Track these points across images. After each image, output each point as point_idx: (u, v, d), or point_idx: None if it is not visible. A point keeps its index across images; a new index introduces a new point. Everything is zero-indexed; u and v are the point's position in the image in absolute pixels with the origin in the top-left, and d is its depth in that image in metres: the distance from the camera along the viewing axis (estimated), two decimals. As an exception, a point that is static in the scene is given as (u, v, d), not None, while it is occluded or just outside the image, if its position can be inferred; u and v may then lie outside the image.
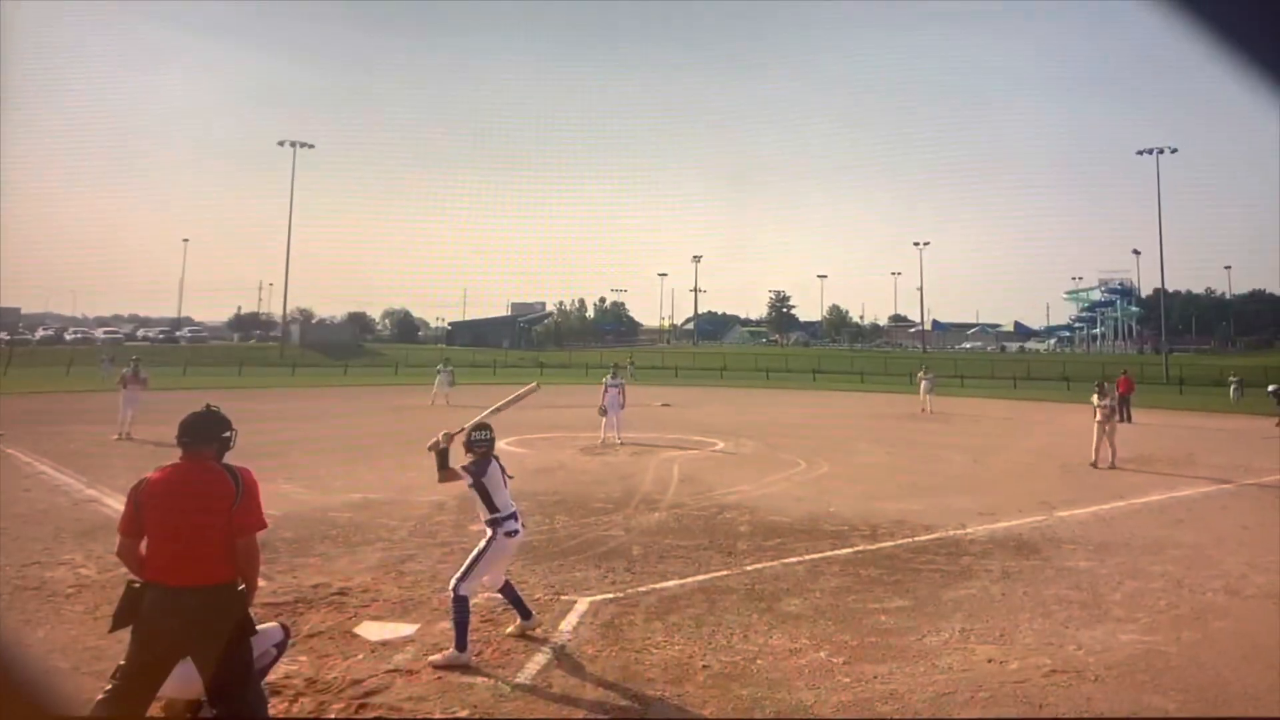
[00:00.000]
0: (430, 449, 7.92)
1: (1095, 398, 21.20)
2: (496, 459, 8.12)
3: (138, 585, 5.11)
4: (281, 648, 5.92)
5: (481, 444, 8.05)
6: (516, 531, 8.05)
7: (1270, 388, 22.84)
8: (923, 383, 38.36)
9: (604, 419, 24.41)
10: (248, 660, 5.29)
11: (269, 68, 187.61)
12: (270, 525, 5.77)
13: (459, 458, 8.02)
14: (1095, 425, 20.85)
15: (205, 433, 5.41)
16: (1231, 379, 50.17)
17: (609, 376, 25.46)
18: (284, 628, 6.05)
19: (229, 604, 5.14)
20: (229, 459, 5.48)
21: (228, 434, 5.53)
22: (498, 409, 8.47)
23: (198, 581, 5.05)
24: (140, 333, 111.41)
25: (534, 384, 9.54)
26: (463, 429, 8.06)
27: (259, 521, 5.32)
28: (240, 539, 5.19)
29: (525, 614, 8.20)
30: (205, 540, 5.10)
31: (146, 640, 5.03)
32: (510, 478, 8.26)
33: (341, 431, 25.96)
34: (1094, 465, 19.94)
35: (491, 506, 7.96)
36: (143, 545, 5.19)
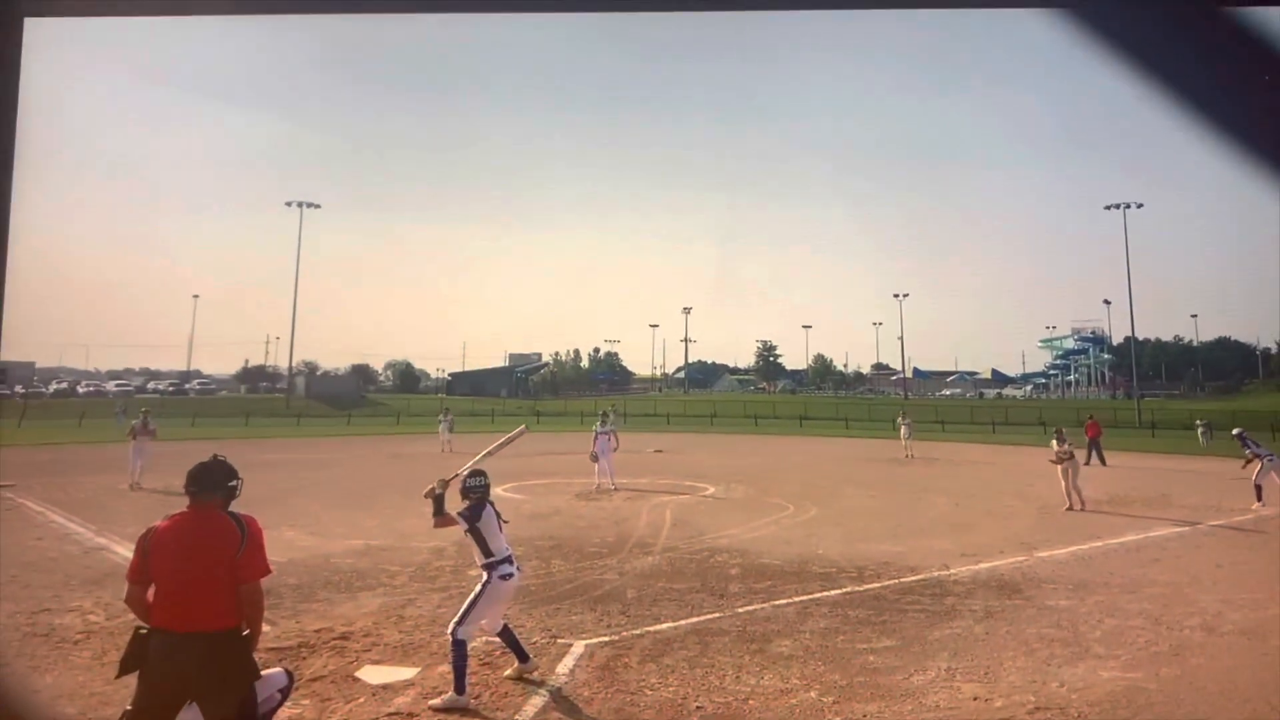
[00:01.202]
0: (426, 495, 7.88)
1: (1054, 444, 21.23)
2: (492, 504, 8.07)
3: (145, 632, 5.09)
4: (286, 692, 5.84)
5: (477, 490, 8.02)
6: (512, 575, 7.97)
7: (1234, 431, 22.80)
8: (903, 428, 38.35)
9: (596, 465, 24.25)
10: (253, 705, 5.26)
11: (277, 127, 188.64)
12: (274, 571, 5.72)
13: (455, 503, 7.96)
14: (1059, 470, 20.87)
15: (212, 481, 5.46)
16: (1199, 423, 50.13)
17: (598, 424, 25.34)
18: (288, 672, 5.97)
19: (233, 649, 5.10)
20: (235, 507, 5.48)
21: (234, 483, 5.57)
22: (489, 453, 8.44)
23: (203, 627, 5.04)
24: (150, 385, 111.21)
25: (522, 427, 9.50)
26: (458, 475, 8.02)
27: (263, 568, 5.34)
28: (244, 584, 5.18)
29: (523, 657, 8.12)
30: (210, 587, 5.10)
31: (153, 685, 5.00)
32: (505, 522, 8.21)
33: (344, 479, 25.83)
34: (1070, 509, 19.84)
35: (487, 551, 7.90)
36: (150, 592, 5.16)
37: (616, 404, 73.78)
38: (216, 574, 5.15)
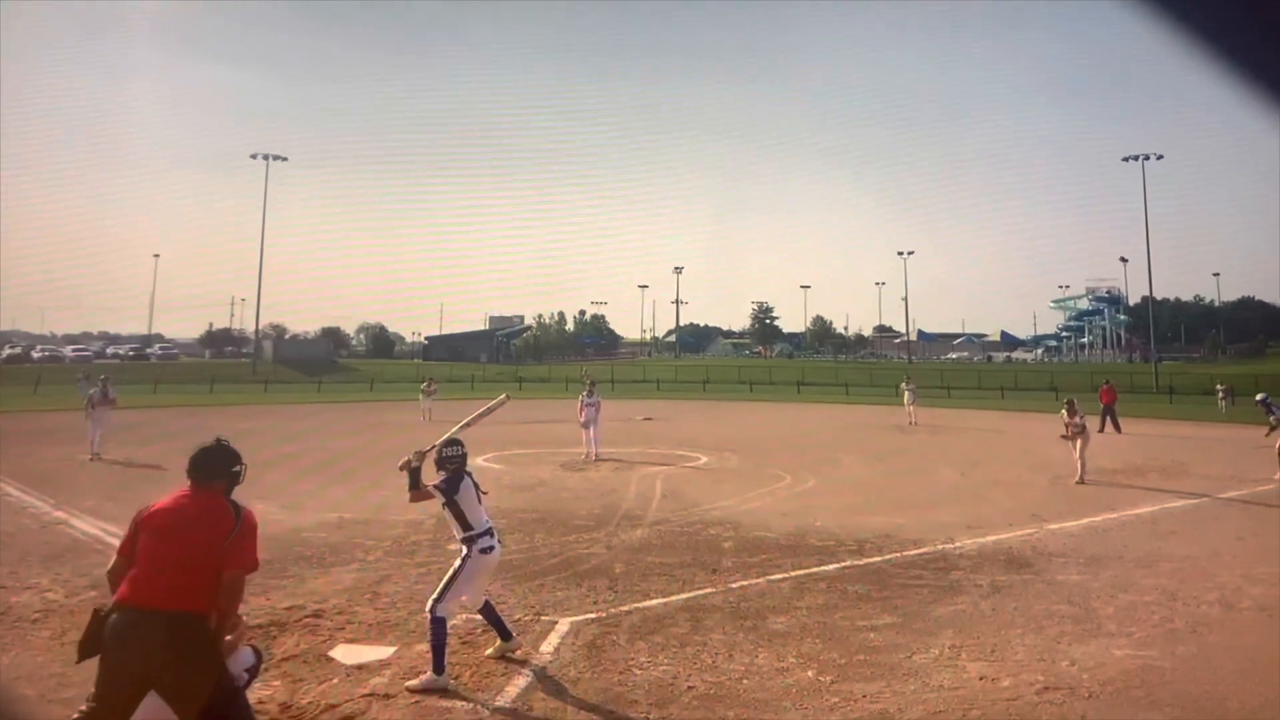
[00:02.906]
0: (401, 468, 7.86)
1: (1064, 414, 21.09)
2: (470, 475, 8.06)
3: (103, 612, 5.06)
4: (254, 672, 5.83)
5: (453, 460, 8.00)
6: (493, 548, 7.97)
7: (1258, 396, 22.78)
8: (906, 394, 38.30)
9: (584, 434, 24.41)
10: (227, 699, 5.21)
11: (240, 79, 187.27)
12: (260, 568, 5.70)
13: (431, 476, 7.95)
14: (1071, 444, 20.88)
15: (214, 468, 5.54)
16: (1219, 388, 50.13)
17: (585, 394, 25.28)
18: (256, 650, 5.97)
19: (195, 634, 5.03)
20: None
21: (238, 468, 5.70)
22: (467, 423, 8.40)
23: (166, 605, 4.97)
24: (110, 350, 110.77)
25: (504, 396, 9.46)
26: (434, 446, 7.99)
27: (251, 560, 5.40)
28: (228, 571, 5.17)
29: (505, 635, 8.14)
30: (186, 565, 5.08)
31: (112, 668, 4.95)
32: (484, 494, 8.20)
33: (315, 449, 25.75)
34: (1080, 482, 19.92)
35: (465, 524, 7.89)
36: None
37: (591, 370, 73.71)
38: (197, 555, 5.13)
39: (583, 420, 24.54)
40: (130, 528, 5.28)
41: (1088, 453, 20.68)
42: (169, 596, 5.00)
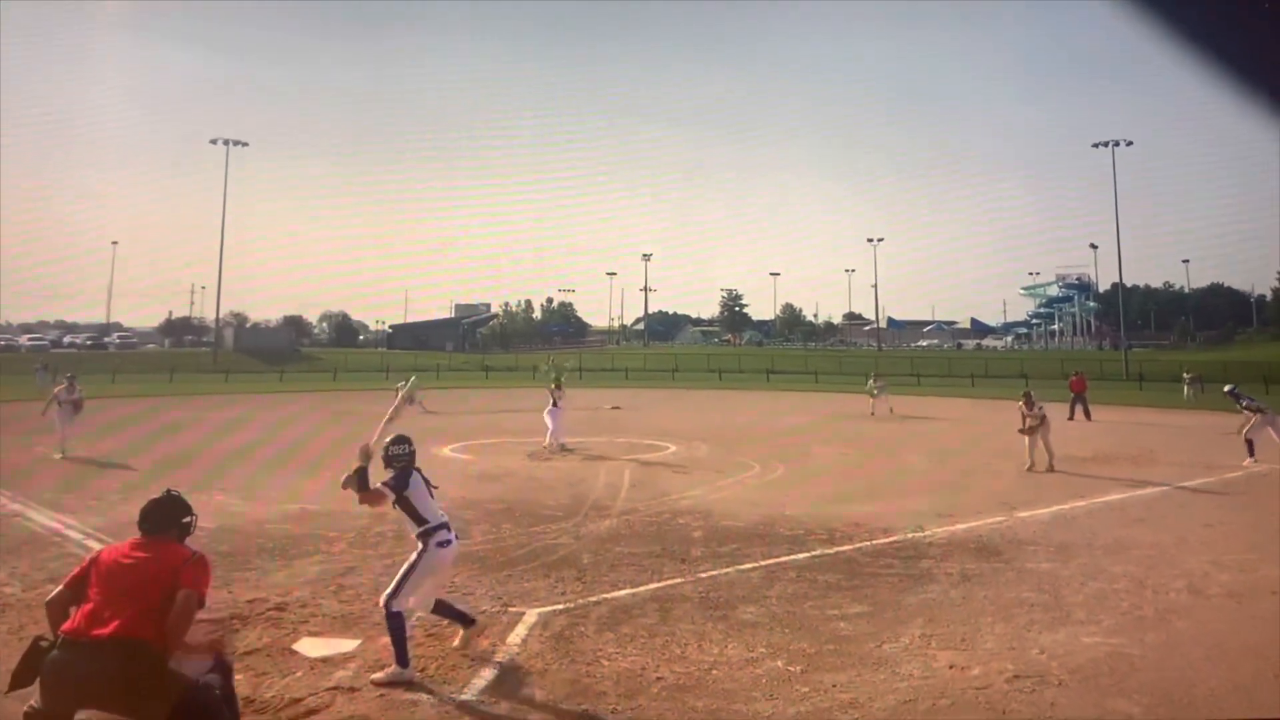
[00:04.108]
0: (345, 484, 7.83)
1: (1022, 406, 20.82)
2: (419, 471, 8.02)
3: (45, 644, 5.15)
4: (221, 672, 5.81)
5: (401, 458, 7.92)
6: (450, 541, 7.89)
7: (1226, 388, 23.14)
8: (874, 388, 38.04)
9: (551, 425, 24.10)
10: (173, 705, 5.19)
11: (197, 62, 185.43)
12: (204, 540, 5.74)
13: (379, 474, 7.88)
14: (1032, 435, 20.64)
15: (164, 520, 5.68)
16: (1186, 376, 50.49)
17: (552, 385, 25.07)
18: (219, 657, 5.93)
19: (142, 660, 5.07)
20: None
21: (188, 519, 5.81)
22: (391, 418, 8.27)
23: (115, 634, 5.05)
24: (67, 339, 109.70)
25: (412, 378, 9.44)
26: (381, 442, 7.92)
27: (203, 588, 5.46)
28: (182, 590, 5.26)
29: (467, 620, 8.09)
30: (137, 599, 5.19)
31: (51, 691, 5.02)
32: (434, 488, 8.14)
33: (277, 440, 25.60)
34: (1030, 469, 20.02)
35: (419, 519, 7.81)
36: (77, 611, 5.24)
37: (558, 359, 73.66)
38: (147, 586, 5.24)
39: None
40: (84, 565, 5.45)
41: (1053, 440, 20.64)
42: (119, 626, 5.08)
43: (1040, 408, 20.69)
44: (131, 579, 5.27)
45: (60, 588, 5.39)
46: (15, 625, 8.54)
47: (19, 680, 5.10)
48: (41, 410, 22.59)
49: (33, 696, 5.09)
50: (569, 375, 26.64)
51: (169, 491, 5.83)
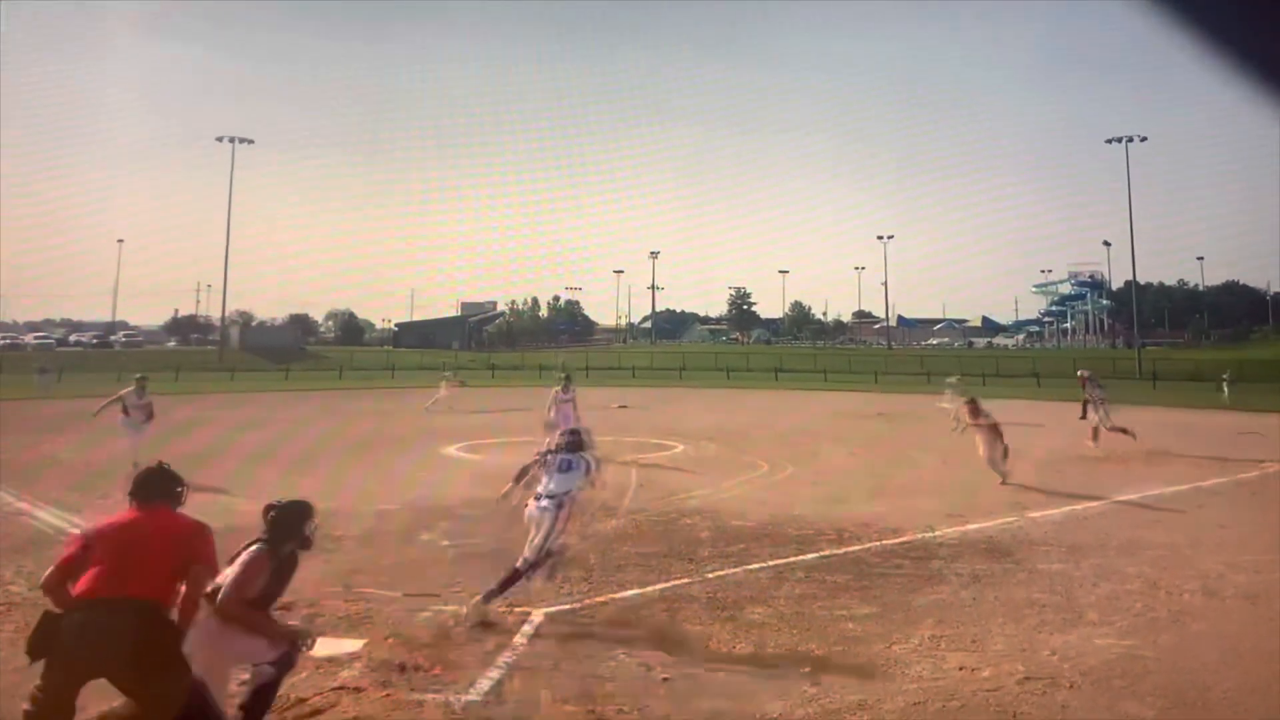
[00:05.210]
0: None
1: (966, 414, 19.07)
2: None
3: (57, 613, 5.20)
4: (282, 664, 5.91)
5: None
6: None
7: (1081, 372, 24.27)
8: (948, 393, 34.99)
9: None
10: (185, 689, 5.24)
11: (203, 59, 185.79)
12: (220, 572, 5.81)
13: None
14: (979, 438, 18.57)
15: (158, 490, 5.92)
16: (1224, 376, 50.30)
17: (559, 389, 23.92)
18: (290, 642, 5.98)
19: (156, 623, 5.24)
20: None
21: (180, 489, 6.05)
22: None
23: (129, 593, 5.21)
24: (73, 338, 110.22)
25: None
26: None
27: (213, 562, 5.69)
28: (196, 565, 5.54)
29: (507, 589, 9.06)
30: (148, 562, 5.41)
31: (66, 660, 5.05)
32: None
33: (283, 438, 25.67)
34: (1004, 483, 17.82)
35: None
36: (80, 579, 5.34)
37: (567, 361, 73.49)
38: (156, 551, 5.46)
39: (553, 418, 22.08)
40: (78, 542, 5.52)
41: (998, 453, 18.40)
42: (135, 586, 5.24)
43: (988, 415, 18.86)
44: (140, 547, 5.44)
45: (53, 569, 5.44)
46: (22, 624, 8.53)
47: (36, 649, 5.12)
48: (94, 411, 20.75)
49: (29, 698, 5.12)
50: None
51: (161, 464, 6.12)
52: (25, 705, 5.11)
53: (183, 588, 5.52)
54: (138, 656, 5.08)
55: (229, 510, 14.02)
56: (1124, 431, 22.75)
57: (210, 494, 14.43)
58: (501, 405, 34.15)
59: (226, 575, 5.62)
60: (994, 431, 18.52)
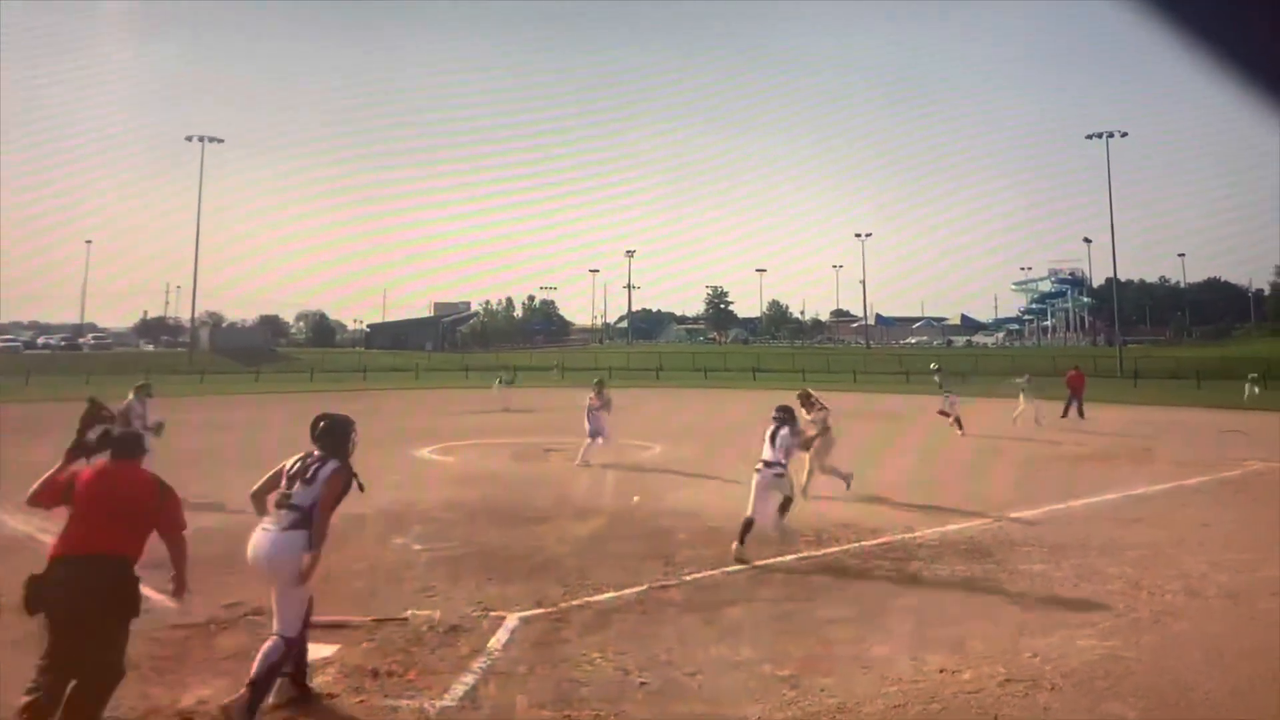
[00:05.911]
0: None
1: (804, 412, 15.59)
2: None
3: (37, 575, 5.77)
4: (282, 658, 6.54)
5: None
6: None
7: (932, 365, 26.11)
8: (1022, 390, 32.51)
9: (596, 440, 21.62)
10: (114, 642, 5.84)
11: (174, 59, 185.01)
12: (188, 528, 6.51)
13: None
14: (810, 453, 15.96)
15: (127, 447, 6.61)
16: (1251, 376, 48.89)
17: (593, 395, 22.94)
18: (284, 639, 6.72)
19: (125, 575, 5.89)
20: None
21: (146, 447, 6.98)
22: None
23: (101, 549, 5.83)
24: (41, 340, 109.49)
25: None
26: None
27: (181, 521, 6.43)
28: (169, 534, 6.28)
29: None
30: (117, 519, 5.98)
31: (54, 619, 5.64)
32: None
33: (254, 441, 25.52)
34: (804, 494, 15.34)
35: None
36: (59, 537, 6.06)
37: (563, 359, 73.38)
38: (127, 509, 6.04)
39: (589, 427, 22.02)
40: (63, 477, 6.28)
41: (827, 461, 16.97)
42: (105, 542, 5.86)
43: (824, 412, 16.90)
44: (113, 502, 6.04)
45: (41, 486, 6.31)
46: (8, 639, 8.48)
47: (31, 604, 5.68)
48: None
49: (27, 692, 5.49)
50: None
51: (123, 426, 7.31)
52: (38, 661, 5.65)
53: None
54: (97, 606, 5.69)
55: (197, 514, 14.01)
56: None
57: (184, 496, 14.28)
58: (478, 407, 34.07)
59: (309, 492, 6.81)
60: (827, 433, 16.77)
